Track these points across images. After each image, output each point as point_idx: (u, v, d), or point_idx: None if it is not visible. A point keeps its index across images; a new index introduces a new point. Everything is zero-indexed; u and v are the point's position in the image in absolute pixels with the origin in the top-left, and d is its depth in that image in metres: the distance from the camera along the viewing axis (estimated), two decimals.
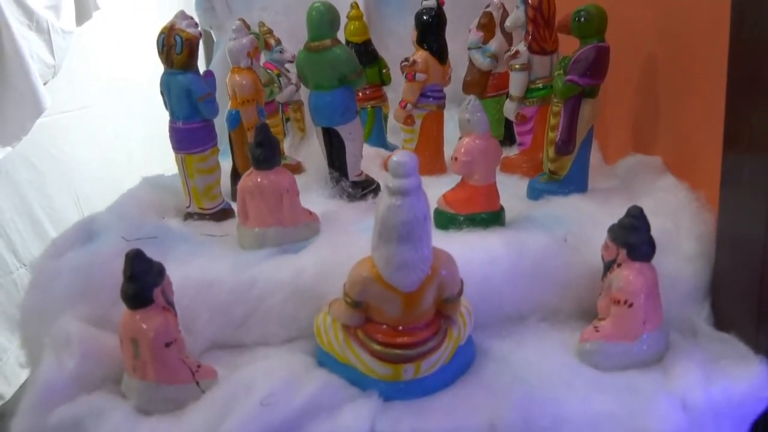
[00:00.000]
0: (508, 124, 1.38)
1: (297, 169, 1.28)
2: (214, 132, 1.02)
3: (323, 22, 1.01)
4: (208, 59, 2.02)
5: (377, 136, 1.38)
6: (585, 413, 0.69)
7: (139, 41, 2.35)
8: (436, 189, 0.96)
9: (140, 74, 2.35)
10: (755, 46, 0.72)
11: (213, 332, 0.83)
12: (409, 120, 1.21)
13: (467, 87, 1.35)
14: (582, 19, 0.94)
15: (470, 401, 0.72)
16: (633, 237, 0.75)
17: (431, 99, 1.21)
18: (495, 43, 1.33)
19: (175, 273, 0.77)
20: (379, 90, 1.39)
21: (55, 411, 0.72)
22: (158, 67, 0.98)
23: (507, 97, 1.24)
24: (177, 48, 0.94)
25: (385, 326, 0.72)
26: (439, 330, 0.74)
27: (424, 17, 1.17)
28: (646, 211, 0.81)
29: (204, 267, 0.86)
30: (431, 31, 1.17)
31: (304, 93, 1.41)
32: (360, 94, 1.30)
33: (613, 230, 0.78)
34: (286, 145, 1.40)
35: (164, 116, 1.03)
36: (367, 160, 1.17)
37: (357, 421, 0.69)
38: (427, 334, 0.73)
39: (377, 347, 0.72)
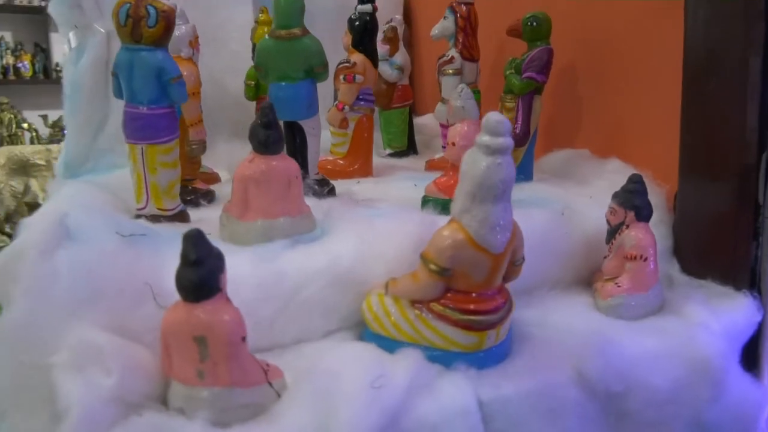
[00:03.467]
0: (411, 135, 1.45)
1: (214, 179, 1.18)
2: (177, 121, 0.89)
3: (294, 10, 0.96)
4: None
5: None
6: (644, 352, 0.76)
7: None
8: (373, 192, 1.08)
9: None
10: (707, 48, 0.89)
11: None
12: (344, 123, 1.19)
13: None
14: (534, 23, 1.06)
15: (544, 358, 0.74)
16: (639, 200, 0.86)
17: (364, 102, 1.21)
18: (400, 57, 1.40)
19: None
20: None
21: None
22: None
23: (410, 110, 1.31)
24: (150, 20, 0.81)
25: (462, 294, 0.71)
26: (508, 296, 0.75)
27: (362, 20, 1.18)
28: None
29: None
30: (367, 35, 1.19)
31: None
32: None
33: (618, 196, 0.87)
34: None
35: None
36: None
37: (461, 393, 0.67)
38: (501, 299, 0.73)
39: (462, 316, 0.70)
